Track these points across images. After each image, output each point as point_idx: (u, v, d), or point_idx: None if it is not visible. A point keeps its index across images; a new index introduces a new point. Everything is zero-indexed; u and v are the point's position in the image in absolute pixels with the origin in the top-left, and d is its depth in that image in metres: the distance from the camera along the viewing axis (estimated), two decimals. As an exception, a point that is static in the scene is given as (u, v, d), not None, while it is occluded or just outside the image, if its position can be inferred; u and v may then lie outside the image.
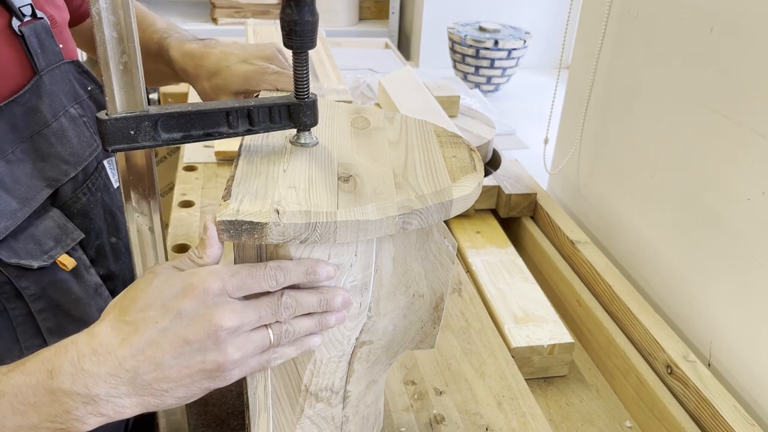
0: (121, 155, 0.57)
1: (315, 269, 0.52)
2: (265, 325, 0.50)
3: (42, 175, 0.66)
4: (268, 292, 0.50)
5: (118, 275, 0.75)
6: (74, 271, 0.68)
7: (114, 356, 0.45)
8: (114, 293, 0.73)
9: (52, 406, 0.45)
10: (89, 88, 0.73)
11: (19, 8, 0.64)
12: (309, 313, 0.53)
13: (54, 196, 0.68)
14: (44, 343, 0.66)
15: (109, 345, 0.45)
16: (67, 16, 0.73)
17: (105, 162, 0.75)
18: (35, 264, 0.64)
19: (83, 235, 0.69)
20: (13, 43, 0.64)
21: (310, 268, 0.52)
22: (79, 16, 0.82)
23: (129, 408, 0.46)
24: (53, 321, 0.67)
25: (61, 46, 0.69)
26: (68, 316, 0.68)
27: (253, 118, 0.57)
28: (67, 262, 0.66)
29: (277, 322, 0.51)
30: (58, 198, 0.69)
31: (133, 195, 0.58)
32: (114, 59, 0.51)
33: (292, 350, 0.53)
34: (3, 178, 0.62)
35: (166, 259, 0.64)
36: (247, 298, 0.50)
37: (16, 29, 0.63)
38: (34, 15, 0.66)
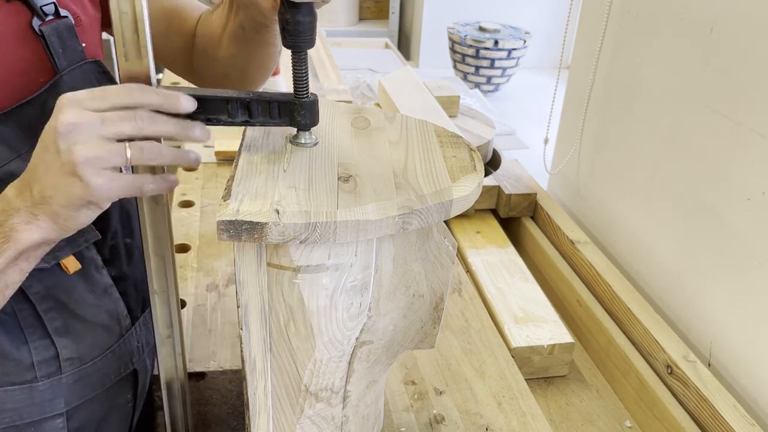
0: None
1: (176, 99, 0.54)
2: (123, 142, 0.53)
3: None
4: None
5: (129, 276, 0.75)
6: (83, 272, 0.68)
7: (21, 178, 0.54)
8: (124, 295, 0.73)
9: None
10: None
11: (41, 7, 0.63)
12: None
13: None
14: (52, 344, 0.67)
15: (27, 157, 0.54)
16: (94, 14, 0.72)
17: None
18: (39, 265, 0.63)
19: (99, 236, 0.69)
20: (33, 44, 0.63)
21: (169, 96, 0.54)
22: None
23: (42, 217, 0.54)
24: (60, 321, 0.67)
25: (84, 45, 0.68)
26: (74, 316, 0.68)
27: (251, 110, 0.57)
28: (71, 265, 0.66)
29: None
30: None
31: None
32: (121, 46, 0.53)
33: (168, 158, 0.56)
34: (18, 175, 0.62)
35: (173, 259, 0.64)
36: None
37: (37, 29, 0.63)
38: (57, 14, 0.65)
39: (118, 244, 0.74)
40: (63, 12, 0.65)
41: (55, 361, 0.67)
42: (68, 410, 0.70)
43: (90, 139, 0.52)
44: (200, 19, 0.85)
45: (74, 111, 0.51)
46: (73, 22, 0.66)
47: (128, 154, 0.53)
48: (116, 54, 0.55)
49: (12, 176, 0.61)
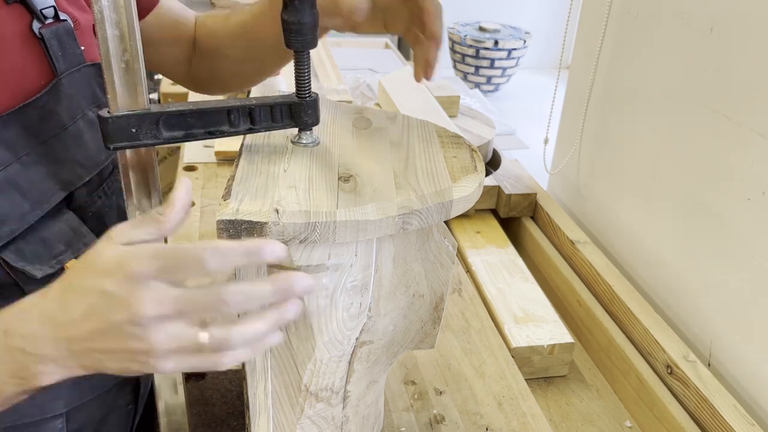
0: (122, 153, 0.57)
1: (258, 248, 0.46)
2: (204, 324, 0.47)
3: (57, 178, 0.65)
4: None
5: None
6: None
7: (54, 321, 0.47)
8: None
9: (11, 363, 0.48)
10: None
11: (41, 10, 0.63)
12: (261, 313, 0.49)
13: (69, 199, 0.68)
14: None
15: (52, 309, 0.48)
16: (91, 17, 0.72)
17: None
18: (39, 273, 0.63)
19: (96, 239, 0.69)
20: (33, 46, 0.63)
21: (251, 248, 0.46)
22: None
23: (74, 367, 0.49)
24: None
25: (83, 48, 0.68)
26: None
27: (254, 116, 0.57)
28: None
29: (224, 322, 0.47)
30: (73, 201, 0.68)
31: (134, 193, 0.58)
32: (116, 57, 0.52)
33: (245, 353, 0.49)
34: (17, 179, 0.62)
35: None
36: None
37: (37, 32, 0.63)
38: (56, 17, 0.65)
39: None
40: (62, 15, 0.65)
41: None
42: (68, 411, 0.69)
43: (168, 330, 0.46)
44: (198, 23, 0.86)
45: (153, 302, 0.45)
46: (72, 25, 0.66)
47: (206, 339, 0.47)
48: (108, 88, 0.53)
49: (11, 182, 0.61)
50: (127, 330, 0.46)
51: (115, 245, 0.47)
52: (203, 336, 0.46)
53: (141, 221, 0.48)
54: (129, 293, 0.45)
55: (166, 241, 0.52)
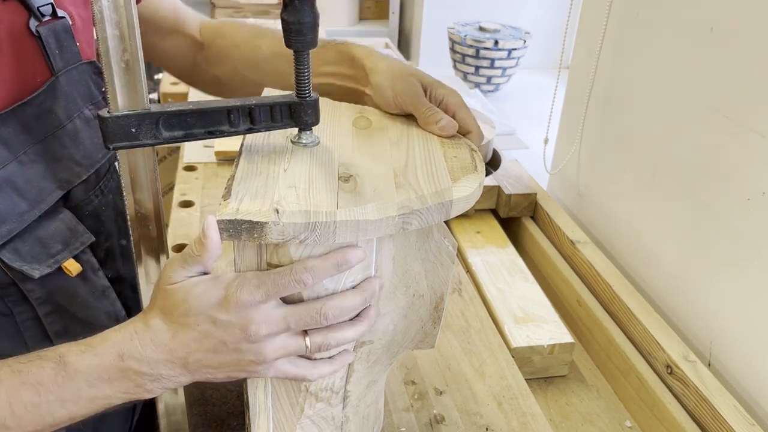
0: (122, 153, 0.57)
1: (345, 258, 0.53)
2: (304, 332, 0.55)
3: (54, 177, 0.65)
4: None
5: (126, 278, 0.75)
6: (81, 274, 0.68)
7: (167, 348, 0.53)
8: (121, 295, 0.73)
9: (125, 382, 0.54)
10: (104, 89, 0.73)
11: (38, 8, 0.63)
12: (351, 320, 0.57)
13: (65, 198, 0.68)
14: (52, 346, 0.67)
15: (163, 338, 0.54)
16: (87, 14, 0.72)
17: (117, 164, 0.74)
18: (36, 273, 0.63)
19: (93, 239, 0.69)
20: (30, 44, 0.63)
21: (339, 259, 0.53)
22: None
23: (185, 381, 0.55)
24: (60, 324, 0.67)
25: (79, 44, 0.68)
26: (75, 319, 0.68)
27: (254, 116, 0.57)
28: (73, 267, 0.66)
29: (321, 329, 0.55)
30: (70, 200, 0.68)
31: (134, 193, 0.58)
32: (116, 57, 0.51)
33: (330, 367, 0.58)
34: (15, 179, 0.61)
35: (167, 259, 0.64)
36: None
37: (34, 30, 0.63)
38: (54, 14, 0.65)
39: (113, 246, 0.74)
40: (60, 12, 0.65)
41: None
42: None
43: (276, 342, 0.54)
44: (214, 29, 0.86)
45: (265, 323, 0.53)
46: (70, 22, 0.66)
47: (308, 345, 0.56)
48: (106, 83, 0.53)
49: (8, 181, 0.61)
50: (242, 347, 0.53)
51: (186, 281, 0.54)
52: (306, 342, 0.55)
53: (188, 260, 0.54)
54: (242, 319, 0.52)
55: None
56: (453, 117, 0.66)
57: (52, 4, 0.64)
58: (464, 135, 0.66)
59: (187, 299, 0.53)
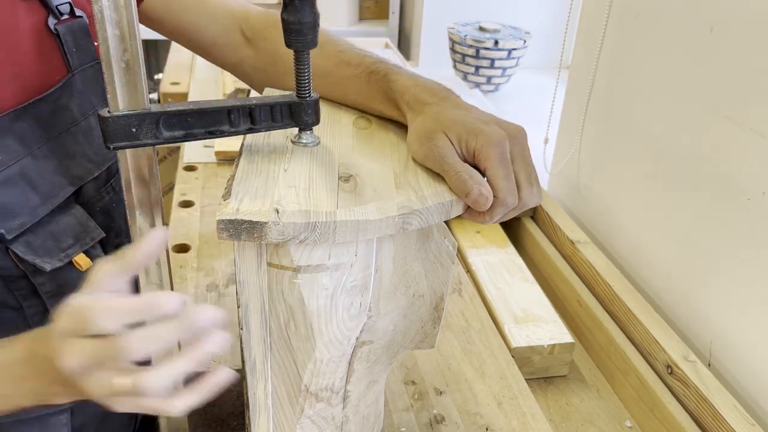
0: (122, 153, 0.57)
1: (156, 305, 0.47)
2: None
3: (67, 173, 0.66)
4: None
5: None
6: (91, 270, 0.69)
7: (44, 359, 0.50)
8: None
9: (35, 381, 0.52)
10: None
11: (57, 6, 0.64)
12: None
13: (77, 194, 0.68)
14: None
15: (44, 350, 0.50)
16: None
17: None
18: (48, 266, 0.64)
19: (104, 234, 0.69)
20: (49, 42, 0.64)
21: (146, 306, 0.47)
22: None
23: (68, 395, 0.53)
24: None
25: (96, 44, 0.69)
26: None
27: (254, 116, 0.57)
28: (83, 262, 0.67)
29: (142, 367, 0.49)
30: (81, 196, 0.69)
31: (134, 193, 0.58)
32: (116, 57, 0.51)
33: (184, 401, 0.50)
34: (28, 173, 0.62)
35: (168, 259, 0.64)
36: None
37: (52, 28, 0.63)
38: (72, 13, 0.66)
39: (122, 242, 0.74)
40: (78, 12, 0.66)
41: None
42: (73, 407, 0.70)
43: (96, 379, 0.49)
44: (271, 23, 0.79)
45: (73, 356, 0.48)
46: (87, 21, 0.67)
47: (120, 386, 0.48)
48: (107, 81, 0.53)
49: (22, 175, 0.61)
50: (67, 380, 0.50)
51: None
52: (120, 382, 0.48)
53: (116, 268, 0.50)
54: (58, 349, 0.49)
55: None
56: (484, 174, 0.55)
57: (70, 3, 0.65)
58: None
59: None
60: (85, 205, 0.69)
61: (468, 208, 0.56)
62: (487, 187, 0.54)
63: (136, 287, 0.72)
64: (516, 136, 0.57)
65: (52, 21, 0.63)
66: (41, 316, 0.66)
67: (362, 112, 0.69)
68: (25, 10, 0.62)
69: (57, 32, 0.64)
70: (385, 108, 0.66)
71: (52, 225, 0.65)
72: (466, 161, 0.56)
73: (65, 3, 0.64)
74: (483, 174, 0.55)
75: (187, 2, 0.77)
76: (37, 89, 0.63)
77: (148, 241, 0.49)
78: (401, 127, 0.66)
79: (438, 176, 0.57)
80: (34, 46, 0.62)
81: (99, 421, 0.74)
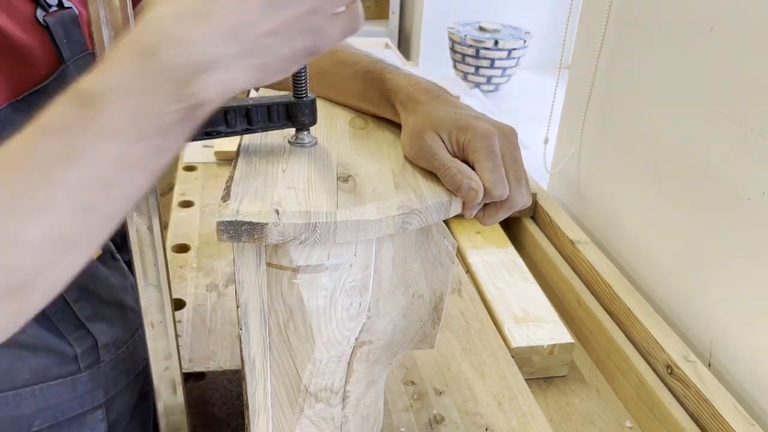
0: None
1: None
2: None
3: None
4: None
5: None
6: (100, 258, 0.69)
7: (211, 14, 0.41)
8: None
9: (165, 86, 0.40)
10: None
11: None
12: None
13: None
14: (89, 333, 0.67)
15: (200, 4, 0.41)
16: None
17: None
18: None
19: None
20: (39, 33, 0.63)
21: None
22: None
23: (239, 71, 0.42)
24: (89, 309, 0.68)
25: (86, 35, 0.68)
26: (102, 302, 0.69)
27: (251, 117, 0.57)
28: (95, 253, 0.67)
29: None
30: None
31: None
32: (107, 27, 0.51)
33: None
34: None
35: (165, 261, 0.64)
36: None
37: (41, 20, 0.63)
38: (60, 4, 0.65)
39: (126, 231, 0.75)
40: (66, 3, 0.66)
41: (95, 350, 0.68)
42: (107, 401, 0.71)
43: None
44: None
45: None
46: (77, 12, 0.67)
47: None
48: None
49: None
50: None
51: None
52: None
53: None
54: None
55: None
56: (474, 168, 0.56)
57: None
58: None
59: None
60: None
61: (464, 206, 0.56)
62: (477, 180, 0.54)
63: (135, 287, 0.73)
64: (506, 134, 0.57)
65: (41, 13, 0.63)
66: (63, 306, 0.67)
67: (358, 111, 0.69)
68: (13, 3, 0.61)
69: (47, 24, 0.63)
70: (381, 108, 0.66)
71: None
72: (456, 157, 0.57)
73: None
74: (472, 168, 0.56)
75: None
76: (32, 82, 0.62)
77: None
78: (397, 126, 0.66)
79: (435, 175, 0.57)
80: (24, 38, 0.62)
81: (129, 416, 0.75)
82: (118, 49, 0.41)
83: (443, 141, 0.57)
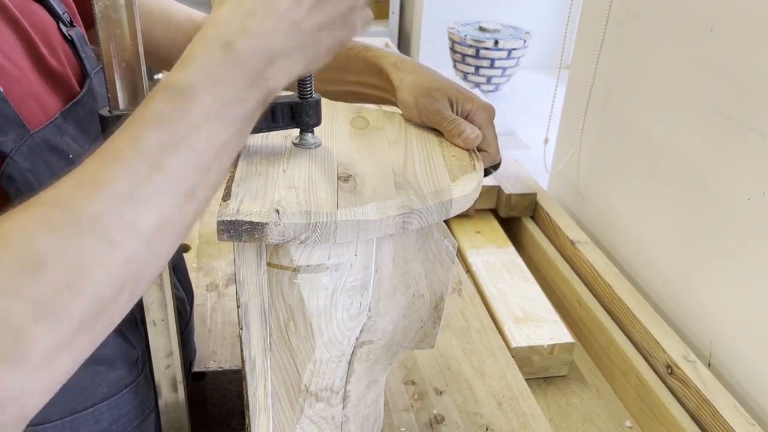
0: None
1: None
2: None
3: None
4: None
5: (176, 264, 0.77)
6: None
7: (273, 11, 0.46)
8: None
9: (246, 73, 0.45)
10: None
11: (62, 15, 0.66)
12: None
13: None
14: (142, 334, 0.67)
15: (263, 4, 0.46)
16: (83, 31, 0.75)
17: None
18: None
19: None
20: (67, 47, 0.65)
21: None
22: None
23: (301, 61, 0.48)
24: (136, 307, 0.68)
25: (94, 50, 0.71)
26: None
27: None
28: None
29: None
30: None
31: None
32: (116, 57, 0.52)
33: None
34: None
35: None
36: None
37: (66, 34, 0.65)
38: (71, 23, 0.67)
39: None
40: (72, 22, 0.68)
41: (147, 350, 0.68)
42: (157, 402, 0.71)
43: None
44: None
45: None
46: (83, 32, 0.69)
47: None
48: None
49: None
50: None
51: None
52: None
53: None
54: None
55: None
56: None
57: (68, 12, 0.67)
58: (480, 151, 0.65)
59: None
60: None
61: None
62: (478, 131, 0.64)
63: (176, 270, 0.73)
64: (492, 110, 0.68)
65: (64, 28, 0.65)
66: None
67: (340, 87, 0.74)
68: (43, 16, 0.63)
69: (71, 38, 0.65)
70: (365, 76, 0.72)
71: None
72: None
73: (65, 12, 0.66)
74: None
75: (155, 18, 0.79)
76: (71, 93, 0.64)
77: None
78: (398, 127, 0.66)
79: (436, 175, 0.57)
80: (60, 49, 0.64)
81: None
82: (195, 45, 0.45)
83: (449, 103, 0.65)
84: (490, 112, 0.67)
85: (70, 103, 0.62)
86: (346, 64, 0.73)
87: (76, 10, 0.72)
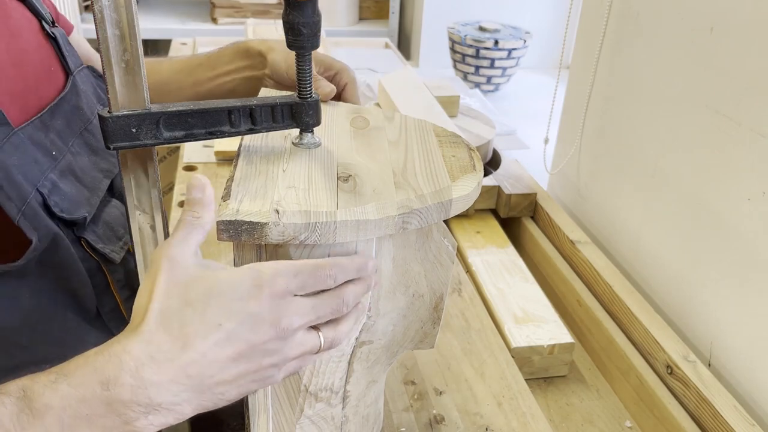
0: (122, 153, 0.57)
1: (366, 265, 0.53)
2: (315, 328, 0.51)
3: (98, 167, 0.69)
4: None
5: None
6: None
7: (176, 364, 0.44)
8: None
9: (108, 417, 0.43)
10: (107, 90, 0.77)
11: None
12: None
13: (110, 189, 0.72)
14: None
15: (169, 352, 0.44)
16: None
17: None
18: (117, 256, 0.67)
19: None
20: (50, 45, 0.67)
21: (361, 265, 0.53)
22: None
23: (188, 412, 0.46)
24: None
25: (76, 50, 0.73)
26: None
27: (255, 117, 0.57)
28: None
29: (329, 323, 0.51)
30: (114, 189, 0.73)
31: (134, 192, 0.58)
32: (116, 57, 0.51)
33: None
34: (73, 168, 0.65)
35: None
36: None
37: (49, 32, 0.66)
38: (53, 23, 0.69)
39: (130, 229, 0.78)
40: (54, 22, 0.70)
41: None
42: None
43: (297, 339, 0.49)
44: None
45: (298, 315, 0.48)
46: (64, 31, 0.71)
47: (321, 339, 0.51)
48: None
49: (69, 169, 0.64)
50: (269, 347, 0.47)
51: (207, 270, 0.47)
52: (320, 337, 0.50)
53: (186, 231, 0.48)
54: (275, 311, 0.46)
55: None
56: (343, 89, 0.73)
57: (50, 13, 0.68)
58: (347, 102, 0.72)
59: (211, 291, 0.45)
60: (119, 198, 0.73)
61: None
62: (330, 85, 0.71)
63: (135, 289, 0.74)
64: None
65: (47, 26, 0.67)
66: (114, 314, 0.68)
67: (211, 85, 0.79)
68: (24, 15, 0.65)
69: (54, 36, 0.66)
70: (234, 63, 0.77)
71: (105, 215, 0.68)
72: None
73: (47, 12, 0.68)
74: (342, 89, 0.74)
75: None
76: (56, 90, 0.65)
77: (205, 192, 0.49)
78: (398, 127, 0.66)
79: (435, 175, 0.57)
80: (44, 47, 0.65)
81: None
82: (83, 364, 0.43)
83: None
84: (351, 72, 0.74)
85: (54, 101, 0.64)
86: (216, 60, 0.79)
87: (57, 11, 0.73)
